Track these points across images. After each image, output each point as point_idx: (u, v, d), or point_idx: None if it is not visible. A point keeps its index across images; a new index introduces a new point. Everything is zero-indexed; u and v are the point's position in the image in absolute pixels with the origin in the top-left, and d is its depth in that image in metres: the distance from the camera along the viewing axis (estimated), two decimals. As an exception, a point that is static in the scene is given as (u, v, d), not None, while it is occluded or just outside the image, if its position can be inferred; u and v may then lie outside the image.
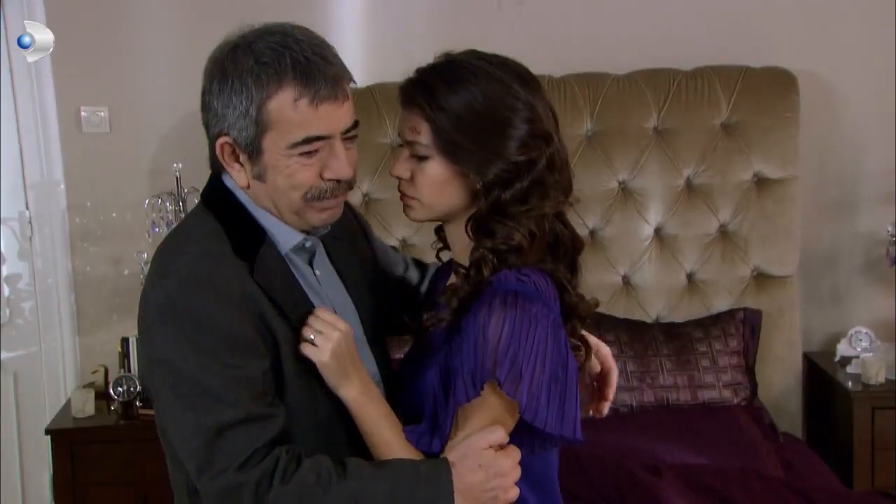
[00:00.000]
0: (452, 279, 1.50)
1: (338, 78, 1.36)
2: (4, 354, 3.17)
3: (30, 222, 3.15)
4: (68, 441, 2.87)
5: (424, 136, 1.41)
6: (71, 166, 3.17)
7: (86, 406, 2.91)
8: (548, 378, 1.38)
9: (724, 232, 3.13)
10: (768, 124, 3.08)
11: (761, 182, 3.11)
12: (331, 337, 1.39)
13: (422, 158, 1.42)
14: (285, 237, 1.45)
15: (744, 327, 3.00)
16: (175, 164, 2.93)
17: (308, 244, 1.48)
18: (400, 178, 1.46)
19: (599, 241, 3.13)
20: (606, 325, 2.98)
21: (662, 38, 3.21)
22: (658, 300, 3.13)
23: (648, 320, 3.11)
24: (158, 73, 3.12)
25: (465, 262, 1.45)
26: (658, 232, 3.14)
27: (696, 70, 3.13)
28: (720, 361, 2.93)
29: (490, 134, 1.39)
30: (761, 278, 3.13)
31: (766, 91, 3.09)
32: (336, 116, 1.37)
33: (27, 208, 3.15)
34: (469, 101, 1.38)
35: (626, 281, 3.15)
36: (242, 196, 1.44)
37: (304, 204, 1.40)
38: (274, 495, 1.31)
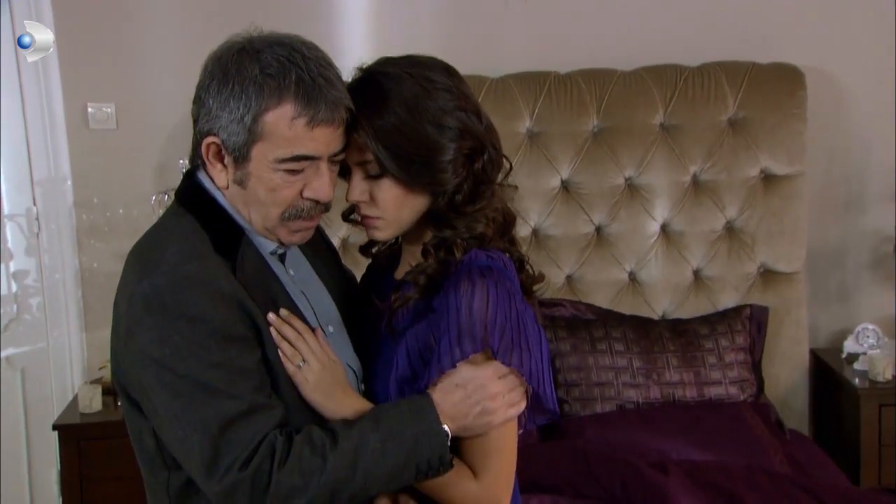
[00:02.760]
0: (409, 263, 1.49)
1: (337, 102, 1.36)
2: (12, 350, 3.18)
3: (37, 218, 3.16)
4: (75, 436, 2.88)
5: (373, 155, 1.40)
6: (78, 162, 3.17)
7: (93, 401, 2.92)
8: (532, 348, 1.40)
9: (730, 228, 3.13)
10: (775, 120, 3.08)
11: (768, 178, 3.10)
12: (313, 369, 1.39)
13: (377, 177, 1.41)
14: (261, 241, 1.45)
15: (750, 324, 3.00)
16: (182, 161, 2.93)
17: (282, 250, 1.48)
18: (358, 202, 1.44)
19: (606, 238, 3.13)
20: (612, 322, 2.98)
21: (669, 34, 3.21)
22: (664, 297, 3.13)
23: (655, 317, 3.11)
24: (165, 69, 3.12)
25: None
26: (664, 228, 3.14)
27: (702, 66, 3.12)
28: (726, 358, 2.92)
29: (431, 150, 1.39)
30: (768, 275, 3.13)
31: (773, 87, 3.08)
32: (329, 140, 1.37)
33: (34, 204, 3.16)
34: (401, 115, 1.38)
35: (633, 277, 3.15)
36: (218, 195, 1.44)
37: (279, 222, 1.41)
38: (276, 480, 1.30)
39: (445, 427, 1.36)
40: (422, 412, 1.36)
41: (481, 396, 1.37)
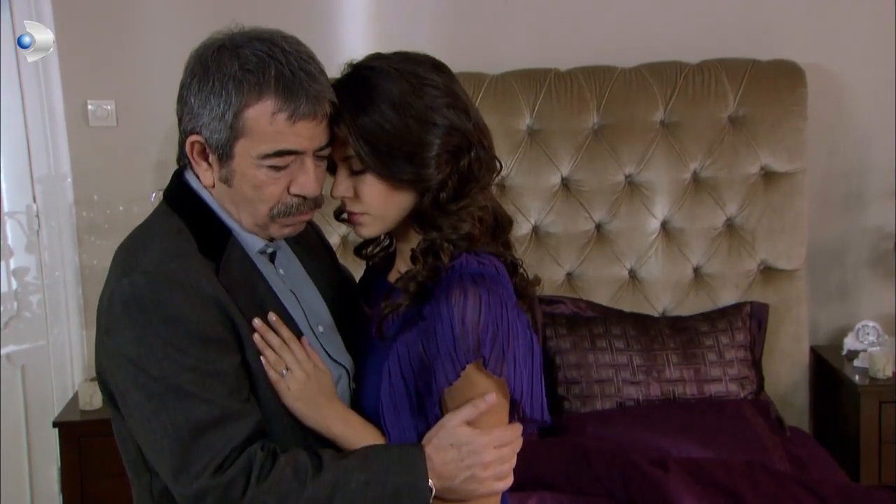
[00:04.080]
0: (398, 270, 1.48)
1: (319, 96, 1.34)
2: (12, 347, 3.18)
3: (37, 216, 3.16)
4: (76, 434, 2.88)
5: (354, 151, 1.38)
6: (78, 160, 3.17)
7: (93, 399, 2.92)
8: (521, 358, 1.38)
9: (730, 225, 3.13)
10: (775, 117, 3.07)
11: (768, 175, 3.10)
12: (297, 378, 1.38)
13: (360, 172, 1.39)
14: (249, 241, 1.43)
15: (750, 321, 3.00)
16: (181, 158, 2.93)
17: (270, 250, 1.47)
18: (343, 198, 1.43)
19: (606, 235, 3.13)
20: (613, 319, 2.98)
21: (669, 31, 3.20)
22: (664, 294, 3.13)
23: (655, 314, 3.11)
24: (165, 66, 3.08)
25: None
26: (665, 225, 3.14)
27: (702, 63, 3.12)
28: (727, 355, 2.92)
29: (414, 146, 1.37)
30: (768, 272, 3.12)
31: (774, 84, 3.08)
32: (312, 134, 1.35)
33: (34, 202, 3.16)
34: (385, 112, 1.36)
35: (633, 275, 3.15)
36: (206, 196, 1.43)
37: (268, 219, 1.40)
38: (251, 495, 1.29)
39: (431, 483, 1.34)
40: (411, 464, 1.34)
41: (473, 462, 1.35)
